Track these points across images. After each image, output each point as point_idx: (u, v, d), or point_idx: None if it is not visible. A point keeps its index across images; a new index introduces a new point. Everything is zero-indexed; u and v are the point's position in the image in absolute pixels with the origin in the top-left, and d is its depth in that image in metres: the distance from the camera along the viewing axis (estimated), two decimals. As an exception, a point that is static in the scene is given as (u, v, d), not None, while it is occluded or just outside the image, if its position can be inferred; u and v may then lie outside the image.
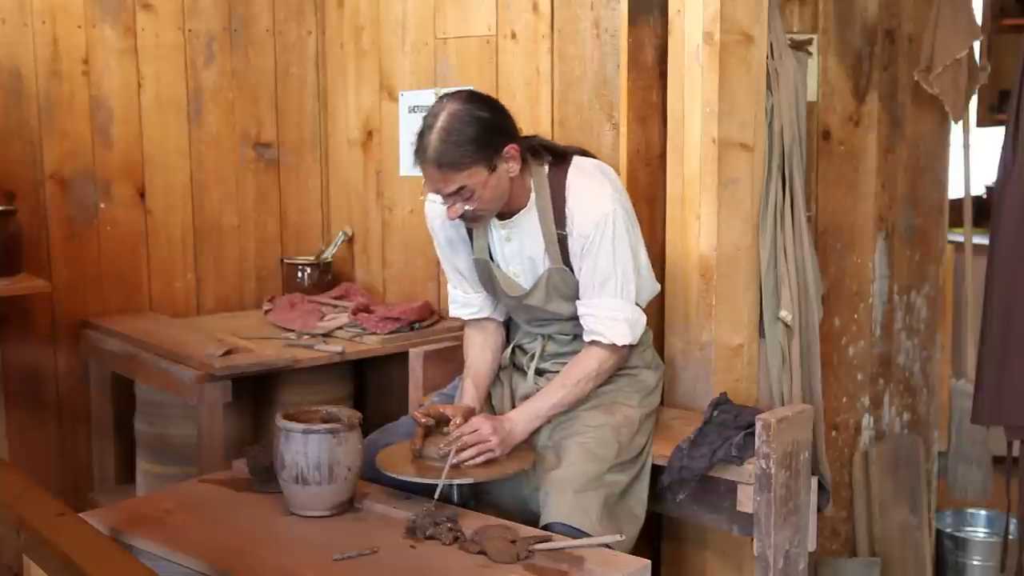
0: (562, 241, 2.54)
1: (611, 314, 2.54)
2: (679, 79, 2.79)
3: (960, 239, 3.84)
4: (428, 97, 3.61)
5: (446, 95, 2.48)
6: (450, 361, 3.13)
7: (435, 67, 3.60)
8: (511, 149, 2.45)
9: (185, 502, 2.43)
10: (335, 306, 3.64)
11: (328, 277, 3.90)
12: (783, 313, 2.82)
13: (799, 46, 3.05)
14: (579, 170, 2.56)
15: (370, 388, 3.80)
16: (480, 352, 2.72)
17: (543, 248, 2.57)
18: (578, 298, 2.58)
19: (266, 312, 3.68)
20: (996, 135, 3.54)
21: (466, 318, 2.76)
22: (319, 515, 2.34)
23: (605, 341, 2.55)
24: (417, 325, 3.49)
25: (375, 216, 3.89)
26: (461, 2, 3.49)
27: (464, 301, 2.75)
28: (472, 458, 2.39)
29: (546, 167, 2.57)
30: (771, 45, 2.82)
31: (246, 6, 3.85)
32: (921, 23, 3.44)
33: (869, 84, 3.37)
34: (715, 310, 2.78)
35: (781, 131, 2.83)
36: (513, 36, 3.35)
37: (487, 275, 2.65)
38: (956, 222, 3.85)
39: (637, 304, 2.60)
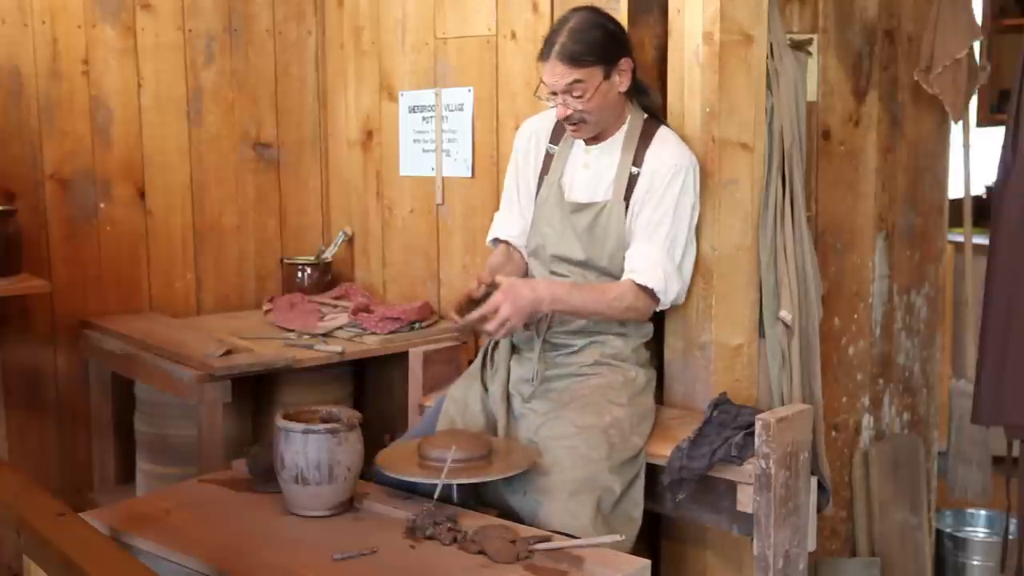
0: (632, 180, 2.67)
1: (652, 259, 2.63)
2: (679, 79, 2.79)
3: (960, 239, 3.83)
4: (428, 97, 3.62)
5: (575, 8, 2.70)
6: (450, 361, 3.12)
7: (435, 67, 3.60)
8: (626, 62, 2.65)
9: (185, 502, 2.43)
10: (335, 306, 3.65)
11: (328, 277, 3.90)
12: (783, 313, 2.81)
13: (799, 46, 3.05)
14: (670, 130, 2.73)
15: (370, 388, 3.80)
16: (500, 261, 2.87)
17: (612, 178, 2.69)
18: (612, 247, 2.67)
19: (266, 312, 3.68)
20: (996, 135, 3.53)
21: (503, 238, 2.89)
22: (319, 515, 2.34)
23: (639, 280, 2.63)
24: (417, 325, 3.49)
25: (375, 216, 3.89)
26: (461, 2, 3.49)
27: (508, 222, 2.89)
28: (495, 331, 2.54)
29: (644, 114, 2.74)
30: (771, 45, 2.82)
31: (246, 6, 3.85)
32: (921, 23, 3.44)
33: (869, 84, 3.37)
34: (715, 310, 2.78)
35: (781, 131, 2.83)
36: (513, 36, 3.35)
37: (548, 194, 2.77)
38: (956, 222, 3.85)
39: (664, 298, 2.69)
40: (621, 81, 2.65)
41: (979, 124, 5.18)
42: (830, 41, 3.25)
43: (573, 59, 2.57)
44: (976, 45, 3.51)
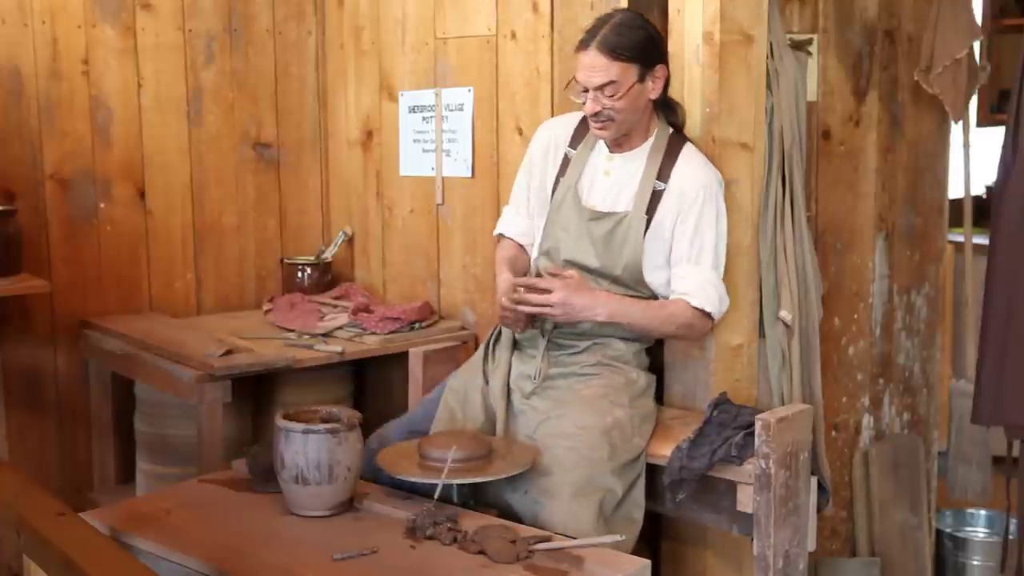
0: (655, 195, 2.66)
1: (705, 280, 2.64)
2: (679, 79, 2.79)
3: (960, 239, 3.84)
4: (428, 97, 3.62)
5: (618, 8, 2.72)
6: (450, 361, 3.13)
7: (435, 67, 3.59)
8: (661, 70, 2.65)
9: (185, 502, 2.43)
10: (335, 306, 3.65)
11: (328, 277, 3.90)
12: (783, 313, 2.81)
13: (799, 46, 3.05)
14: (695, 147, 2.72)
15: (370, 388, 3.80)
16: (515, 254, 2.89)
17: (635, 192, 2.68)
18: (628, 258, 2.66)
19: (266, 312, 3.68)
20: (996, 135, 3.54)
21: (508, 235, 2.91)
22: (319, 515, 2.34)
23: (695, 303, 2.64)
24: (417, 325, 3.49)
25: (375, 216, 3.89)
26: (461, 2, 3.49)
27: (513, 221, 2.91)
28: (530, 311, 2.59)
29: (670, 128, 2.73)
30: (771, 45, 2.82)
31: (246, 6, 3.85)
32: (921, 23, 3.44)
33: (869, 84, 3.37)
34: (715, 310, 2.78)
35: (781, 131, 2.83)
36: (513, 36, 3.35)
37: (563, 197, 2.75)
38: (956, 222, 3.85)
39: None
40: (654, 87, 2.64)
41: (979, 124, 5.18)
42: (830, 41, 3.25)
43: (613, 51, 2.56)
44: (976, 45, 3.51)
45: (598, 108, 2.60)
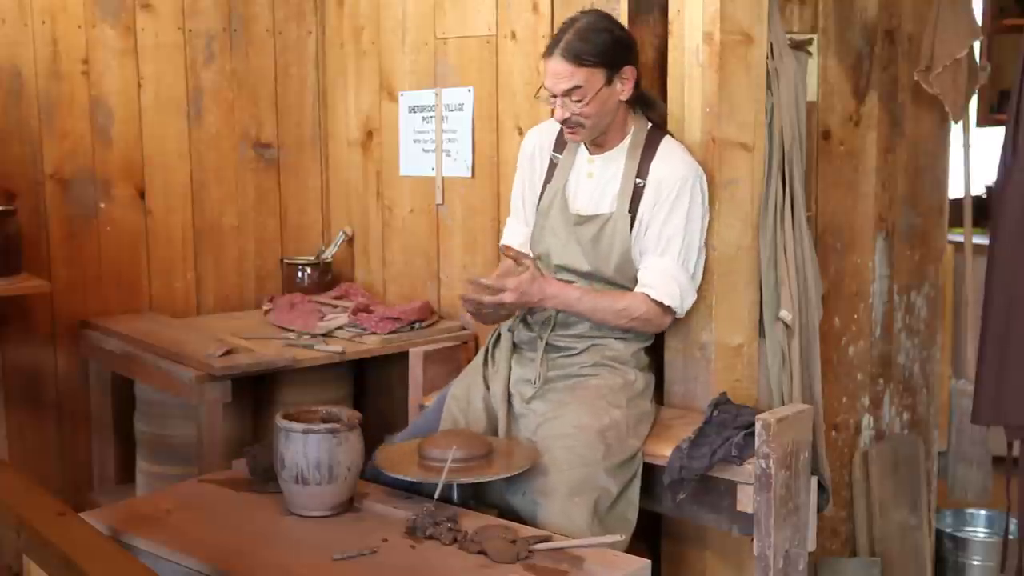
0: (636, 192, 2.65)
1: (667, 273, 2.63)
2: (679, 79, 2.79)
3: (960, 239, 3.83)
4: (428, 97, 3.62)
5: (584, 11, 2.70)
6: (450, 361, 3.13)
7: (435, 67, 3.60)
8: (629, 70, 2.63)
9: (185, 502, 2.43)
10: (335, 306, 3.65)
11: (328, 277, 3.90)
12: (783, 313, 2.81)
13: (799, 46, 3.05)
14: (675, 141, 2.71)
15: (370, 388, 3.80)
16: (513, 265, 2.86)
17: (616, 191, 2.68)
18: (617, 258, 2.65)
19: (266, 312, 3.68)
20: (996, 135, 3.54)
21: (511, 247, 2.88)
22: (319, 515, 2.34)
23: (654, 295, 2.63)
24: (417, 325, 3.49)
25: (375, 216, 3.89)
26: (461, 2, 3.49)
27: (516, 230, 2.90)
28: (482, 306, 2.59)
29: (648, 124, 2.72)
30: (771, 45, 2.82)
31: (246, 6, 3.86)
32: (921, 23, 3.44)
33: (869, 84, 3.37)
34: (715, 310, 2.77)
35: (781, 131, 2.83)
36: (513, 36, 3.35)
37: (551, 203, 2.75)
38: (956, 222, 3.85)
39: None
40: (623, 89, 2.63)
41: (979, 124, 5.18)
42: (830, 41, 3.25)
43: (577, 57, 2.55)
44: (976, 45, 3.51)
45: (567, 115, 2.61)
